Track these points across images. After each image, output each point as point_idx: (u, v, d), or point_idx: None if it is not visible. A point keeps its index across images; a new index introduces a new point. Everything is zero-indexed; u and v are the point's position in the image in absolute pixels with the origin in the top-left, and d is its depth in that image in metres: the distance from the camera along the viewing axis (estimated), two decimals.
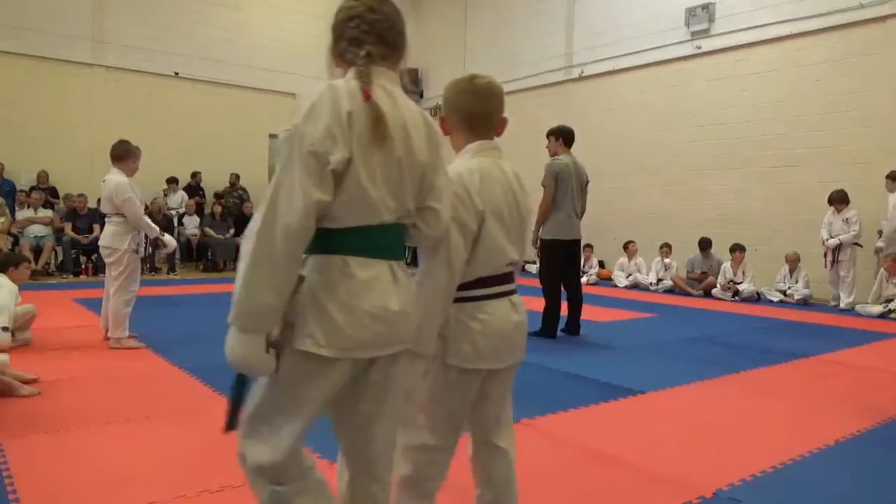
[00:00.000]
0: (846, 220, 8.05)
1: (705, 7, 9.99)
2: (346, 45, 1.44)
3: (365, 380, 1.44)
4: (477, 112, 1.73)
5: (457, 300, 1.63)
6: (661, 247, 9.97)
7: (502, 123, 1.79)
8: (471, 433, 1.84)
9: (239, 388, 1.40)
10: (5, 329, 4.36)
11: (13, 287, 4.60)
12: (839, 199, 8.11)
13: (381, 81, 1.40)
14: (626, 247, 10.40)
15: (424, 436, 1.70)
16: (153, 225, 4.78)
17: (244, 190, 12.46)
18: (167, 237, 5.00)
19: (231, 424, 1.42)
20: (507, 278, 1.72)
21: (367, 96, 1.33)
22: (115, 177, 4.67)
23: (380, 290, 1.37)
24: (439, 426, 1.71)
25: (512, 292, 1.74)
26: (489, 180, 1.66)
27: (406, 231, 1.48)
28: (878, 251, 7.97)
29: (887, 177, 7.98)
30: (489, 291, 1.67)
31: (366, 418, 1.46)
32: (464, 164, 1.68)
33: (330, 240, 1.35)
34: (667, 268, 9.88)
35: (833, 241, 8.11)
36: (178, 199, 11.72)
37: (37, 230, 9.79)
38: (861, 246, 8.10)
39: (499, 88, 1.76)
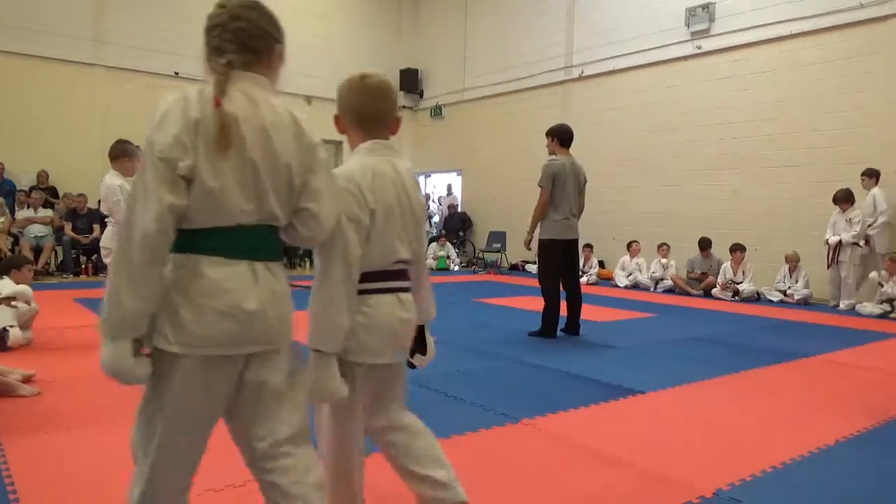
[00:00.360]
0: (849, 221, 8.03)
1: (705, 7, 9.99)
2: (210, 54, 1.48)
3: (241, 381, 1.47)
4: (368, 111, 1.77)
5: None
6: (659, 247, 9.97)
7: (396, 122, 1.82)
8: (373, 436, 1.87)
9: None
10: (12, 327, 4.39)
11: (14, 284, 4.64)
12: (844, 199, 8.07)
13: (243, 86, 1.43)
14: (629, 246, 10.39)
15: (332, 433, 1.77)
16: None
17: None
18: None
19: None
20: (395, 275, 1.75)
21: (217, 103, 1.37)
22: (109, 179, 4.67)
23: (234, 289, 1.39)
24: (341, 422, 1.76)
25: (402, 290, 1.77)
26: (381, 179, 1.70)
27: (276, 232, 1.50)
28: (867, 241, 8.00)
29: (863, 174, 8.06)
30: (373, 286, 1.70)
31: (245, 418, 1.50)
32: (357, 162, 1.72)
33: (184, 240, 1.39)
34: (665, 267, 9.88)
35: (834, 239, 8.11)
36: None
37: (37, 230, 9.80)
38: (861, 246, 8.09)
39: (390, 87, 1.80)
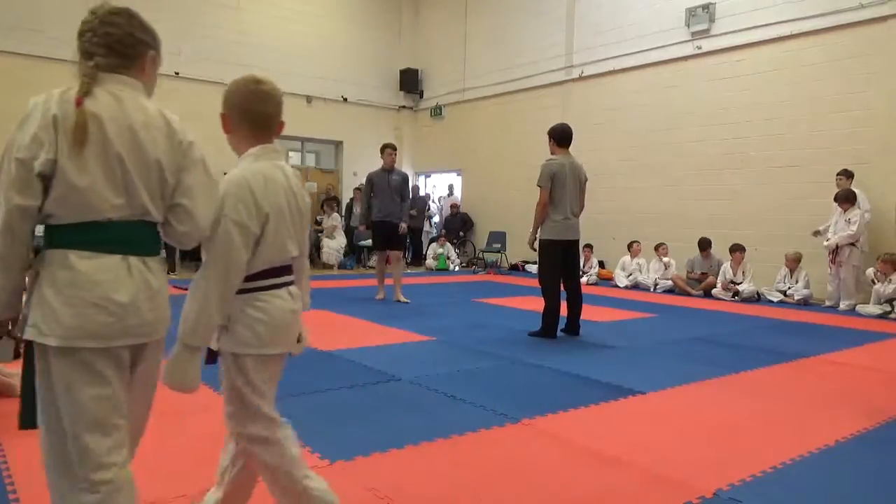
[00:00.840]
0: (848, 221, 8.00)
1: (706, 7, 9.99)
2: (80, 58, 1.54)
3: (131, 371, 1.56)
4: (262, 114, 1.85)
5: (238, 291, 1.74)
6: (657, 247, 9.96)
7: (281, 126, 1.91)
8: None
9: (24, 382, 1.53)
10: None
11: None
12: (844, 199, 8.00)
13: (111, 88, 1.50)
14: (629, 246, 10.38)
15: (249, 427, 1.80)
16: None
17: None
18: None
19: (24, 422, 1.55)
20: (285, 270, 1.85)
21: (79, 103, 1.43)
22: None
23: (104, 281, 1.44)
24: (254, 416, 1.80)
25: (290, 283, 1.87)
26: (273, 184, 1.78)
27: (152, 227, 1.56)
28: (854, 242, 7.99)
29: (839, 174, 8.09)
30: (268, 282, 1.79)
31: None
32: (248, 168, 1.79)
33: (52, 236, 1.46)
34: (667, 267, 9.86)
35: (830, 243, 8.05)
36: None
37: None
38: (855, 246, 8.04)
39: (280, 94, 1.90)
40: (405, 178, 8.01)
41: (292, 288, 1.87)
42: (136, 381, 1.57)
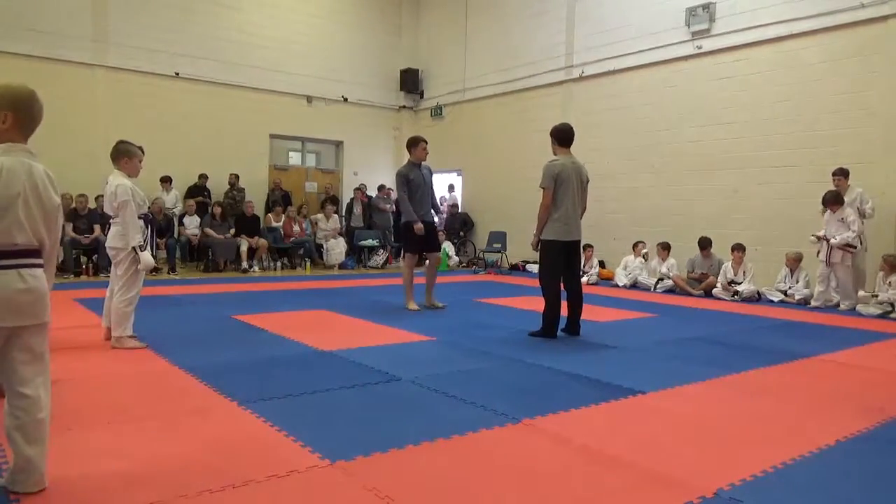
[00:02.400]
0: (842, 220, 7.92)
1: (706, 7, 10.00)
2: None
3: None
4: (34, 120, 2.17)
5: None
6: (660, 248, 9.94)
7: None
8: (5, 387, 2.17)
9: None
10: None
11: None
12: (833, 200, 7.96)
13: None
14: (634, 247, 10.37)
15: None
16: (137, 236, 4.69)
17: (239, 191, 12.48)
18: (144, 255, 4.70)
19: None
20: (14, 255, 2.06)
21: None
22: (116, 179, 4.69)
23: None
24: None
25: (23, 266, 2.07)
26: (11, 174, 2.04)
27: None
28: (854, 246, 7.95)
29: (836, 174, 8.04)
30: None
31: None
32: None
33: None
34: (670, 269, 9.80)
35: (838, 242, 7.89)
36: (172, 198, 11.73)
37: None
38: (855, 248, 7.94)
39: None
40: (431, 172, 7.37)
41: (31, 271, 2.08)
42: None
